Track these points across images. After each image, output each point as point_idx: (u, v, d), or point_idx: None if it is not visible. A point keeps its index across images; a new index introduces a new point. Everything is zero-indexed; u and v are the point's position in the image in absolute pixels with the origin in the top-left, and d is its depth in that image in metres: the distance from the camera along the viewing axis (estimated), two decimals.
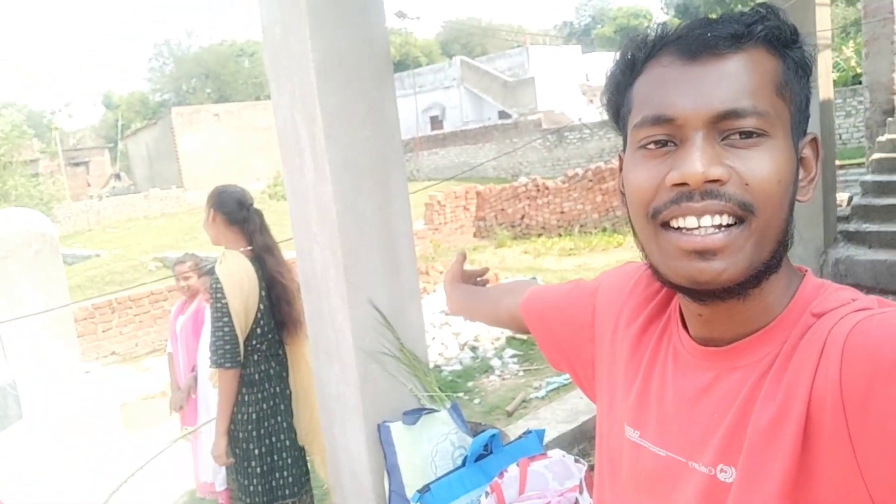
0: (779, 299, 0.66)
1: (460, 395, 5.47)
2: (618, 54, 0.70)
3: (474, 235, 13.57)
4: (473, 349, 6.52)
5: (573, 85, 27.32)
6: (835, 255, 5.61)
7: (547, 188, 12.85)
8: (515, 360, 6.23)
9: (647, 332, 0.79)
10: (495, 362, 6.19)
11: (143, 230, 19.67)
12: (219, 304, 2.61)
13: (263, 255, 2.77)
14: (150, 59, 46.44)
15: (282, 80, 2.51)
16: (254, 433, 2.74)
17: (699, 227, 0.62)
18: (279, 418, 2.80)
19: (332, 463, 2.63)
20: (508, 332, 6.89)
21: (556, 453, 2.06)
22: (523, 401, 5.11)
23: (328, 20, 2.36)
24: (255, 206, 2.91)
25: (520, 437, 2.31)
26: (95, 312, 8.88)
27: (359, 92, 2.47)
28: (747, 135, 0.62)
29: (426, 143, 24.00)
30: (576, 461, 2.04)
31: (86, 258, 15.85)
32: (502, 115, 26.64)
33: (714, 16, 0.66)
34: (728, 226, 0.62)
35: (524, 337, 6.76)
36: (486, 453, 2.20)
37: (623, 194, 0.71)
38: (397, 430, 2.31)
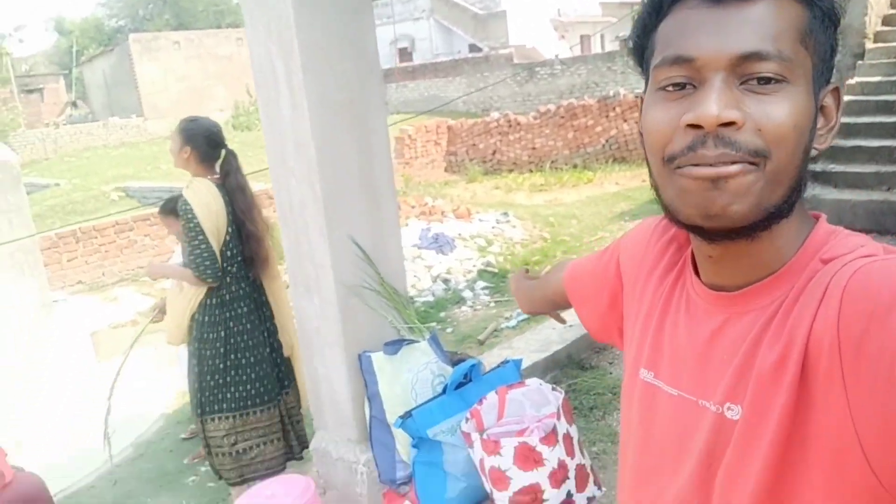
0: (789, 245, 0.67)
1: (432, 324, 5.58)
2: None
3: (445, 170, 13.52)
4: (446, 281, 6.60)
5: (545, 19, 26.75)
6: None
7: (519, 124, 12.78)
8: (487, 291, 6.34)
9: (663, 281, 0.82)
10: (467, 294, 6.30)
11: (102, 159, 19.08)
12: (191, 224, 2.69)
13: (235, 195, 2.79)
14: None
15: (256, 12, 2.44)
16: (221, 350, 2.87)
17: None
18: (245, 337, 2.90)
19: (314, 392, 2.70)
20: (480, 265, 6.98)
21: (533, 382, 2.15)
22: (495, 330, 5.24)
23: None
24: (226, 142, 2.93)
25: (498, 366, 2.39)
26: (59, 242, 8.73)
27: (337, 24, 2.42)
28: (766, 80, 0.62)
29: (395, 75, 23.50)
30: (553, 389, 2.13)
31: (44, 187, 15.43)
32: (473, 48, 26.07)
33: None
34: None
35: (495, 270, 6.86)
36: (466, 381, 2.27)
37: (641, 135, 0.72)
38: (378, 359, 2.36)
